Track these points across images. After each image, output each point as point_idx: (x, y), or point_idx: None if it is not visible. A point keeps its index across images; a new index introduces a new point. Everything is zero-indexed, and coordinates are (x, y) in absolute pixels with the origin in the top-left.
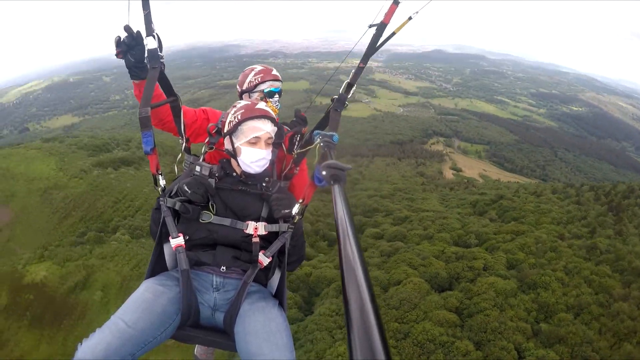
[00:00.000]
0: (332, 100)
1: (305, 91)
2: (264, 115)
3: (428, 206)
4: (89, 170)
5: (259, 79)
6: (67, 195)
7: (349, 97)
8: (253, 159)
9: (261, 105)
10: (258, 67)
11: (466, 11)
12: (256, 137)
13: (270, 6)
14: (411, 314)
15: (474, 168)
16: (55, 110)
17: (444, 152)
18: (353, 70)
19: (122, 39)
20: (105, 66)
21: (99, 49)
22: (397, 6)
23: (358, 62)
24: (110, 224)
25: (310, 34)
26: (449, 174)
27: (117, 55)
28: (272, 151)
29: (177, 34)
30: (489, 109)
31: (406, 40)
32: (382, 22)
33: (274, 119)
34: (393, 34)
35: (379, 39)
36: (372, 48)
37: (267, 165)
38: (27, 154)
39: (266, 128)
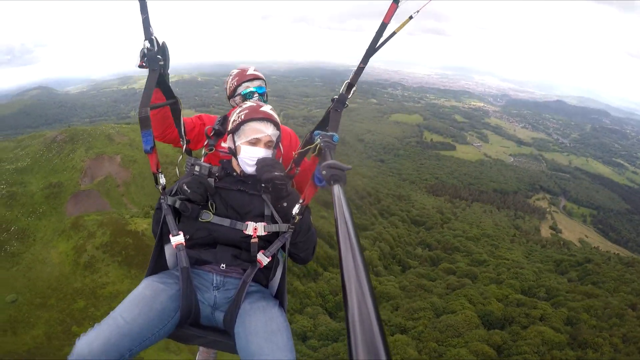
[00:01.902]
0: (332, 100)
1: (418, 125)
2: (266, 118)
3: (510, 256)
4: None
5: (235, 82)
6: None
7: (349, 97)
8: (251, 157)
9: (266, 108)
10: (235, 71)
11: (594, 61)
12: (256, 138)
13: (399, 38)
14: (452, 340)
15: (574, 232)
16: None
17: (547, 209)
18: (353, 71)
19: (147, 49)
20: (228, 72)
21: (228, 54)
22: (397, 5)
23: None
24: None
25: (432, 69)
26: (546, 232)
27: (140, 66)
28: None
29: (303, 53)
30: (605, 171)
31: (528, 86)
32: (382, 22)
33: (277, 122)
34: (394, 33)
35: (379, 39)
36: (372, 48)
37: None
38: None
39: (267, 131)
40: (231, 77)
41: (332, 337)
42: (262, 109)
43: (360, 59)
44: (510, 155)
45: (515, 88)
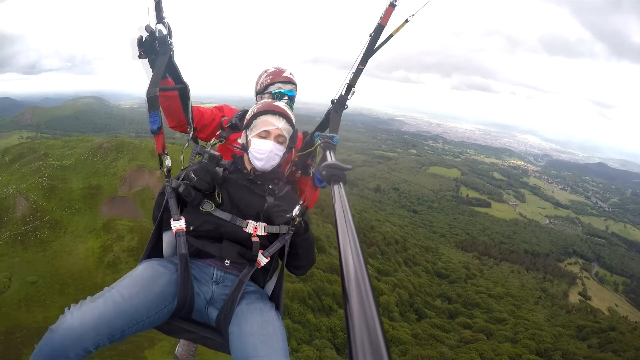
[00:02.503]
0: (332, 102)
1: (455, 179)
2: (277, 112)
3: (531, 317)
4: None
5: (269, 80)
6: None
7: (349, 98)
8: (259, 149)
9: (279, 103)
10: (271, 69)
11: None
12: (266, 130)
13: (445, 92)
14: None
15: (604, 300)
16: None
17: (579, 275)
18: (352, 72)
19: (144, 39)
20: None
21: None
22: (394, 8)
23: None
24: None
25: (475, 124)
26: (574, 298)
27: (139, 56)
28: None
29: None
30: None
31: (571, 147)
32: (379, 25)
33: (289, 117)
34: (391, 36)
35: (376, 42)
36: (370, 51)
37: (276, 162)
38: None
39: (278, 124)
40: (265, 74)
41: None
42: (275, 103)
43: (359, 61)
44: (546, 216)
45: (557, 148)
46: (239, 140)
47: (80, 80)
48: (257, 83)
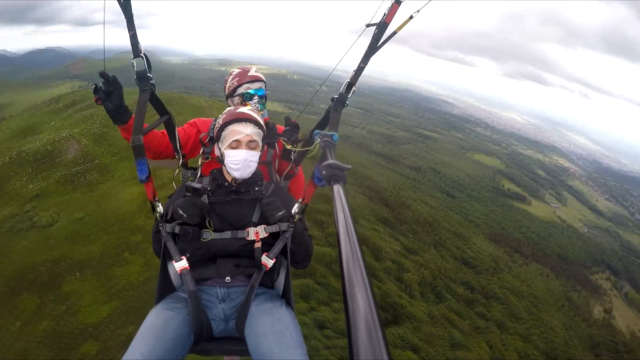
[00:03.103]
0: (333, 99)
1: (493, 168)
2: (243, 119)
3: (549, 321)
4: None
5: (235, 83)
6: None
7: (349, 96)
8: (234, 160)
9: (244, 109)
10: (236, 70)
11: None
12: (236, 140)
13: (496, 77)
14: None
15: (629, 321)
16: (271, 95)
17: (608, 291)
18: (353, 70)
19: (99, 86)
20: (324, 76)
21: (324, 59)
22: (399, 5)
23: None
24: None
25: (524, 116)
26: (598, 313)
27: (96, 102)
28: (267, 151)
29: (396, 73)
30: None
31: (621, 156)
32: (384, 22)
33: (257, 121)
34: (394, 33)
35: (379, 39)
36: (373, 48)
37: (253, 169)
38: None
39: (246, 131)
40: (231, 77)
41: (346, 334)
42: (239, 110)
43: (361, 58)
44: (585, 224)
45: (606, 155)
46: (215, 153)
47: None
48: (225, 87)
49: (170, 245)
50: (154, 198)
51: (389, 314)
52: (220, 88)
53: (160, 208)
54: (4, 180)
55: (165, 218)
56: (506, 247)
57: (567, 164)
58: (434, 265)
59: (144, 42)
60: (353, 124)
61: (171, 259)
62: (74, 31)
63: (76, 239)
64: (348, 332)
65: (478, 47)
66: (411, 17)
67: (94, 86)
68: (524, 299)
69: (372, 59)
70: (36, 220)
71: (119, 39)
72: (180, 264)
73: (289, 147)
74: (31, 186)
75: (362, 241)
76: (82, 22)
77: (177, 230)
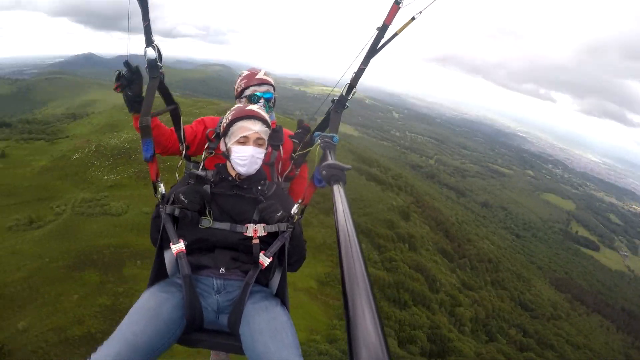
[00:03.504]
0: (333, 101)
1: (568, 212)
2: (253, 116)
3: None
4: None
5: (243, 85)
6: None
7: (349, 98)
8: (240, 156)
9: (253, 106)
10: (245, 72)
11: None
12: (244, 136)
13: (572, 113)
14: None
15: None
16: (343, 116)
17: None
18: (354, 72)
19: (122, 74)
20: (398, 102)
21: (397, 84)
22: (399, 7)
23: (637, 207)
24: None
25: (602, 157)
26: None
27: (115, 89)
28: (271, 153)
29: (472, 105)
30: None
31: None
32: (384, 23)
33: (265, 119)
34: (395, 34)
35: (380, 41)
36: (374, 50)
37: (258, 165)
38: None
39: (255, 128)
40: (240, 78)
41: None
42: (248, 107)
43: (361, 61)
44: None
45: None
46: (220, 148)
47: (212, 49)
48: (234, 88)
49: (169, 227)
50: (156, 178)
51: (435, 346)
52: (293, 106)
53: (162, 189)
54: (86, 167)
55: (166, 202)
56: (568, 294)
57: None
58: (488, 304)
59: (223, 57)
60: (426, 154)
61: (168, 247)
62: (160, 41)
63: (141, 230)
64: (348, 333)
65: (557, 81)
66: (413, 19)
67: (117, 72)
68: (579, 350)
69: (438, 90)
70: (107, 208)
71: (200, 52)
72: (177, 246)
73: (296, 151)
74: (105, 177)
75: (419, 270)
76: (168, 34)
77: (176, 213)
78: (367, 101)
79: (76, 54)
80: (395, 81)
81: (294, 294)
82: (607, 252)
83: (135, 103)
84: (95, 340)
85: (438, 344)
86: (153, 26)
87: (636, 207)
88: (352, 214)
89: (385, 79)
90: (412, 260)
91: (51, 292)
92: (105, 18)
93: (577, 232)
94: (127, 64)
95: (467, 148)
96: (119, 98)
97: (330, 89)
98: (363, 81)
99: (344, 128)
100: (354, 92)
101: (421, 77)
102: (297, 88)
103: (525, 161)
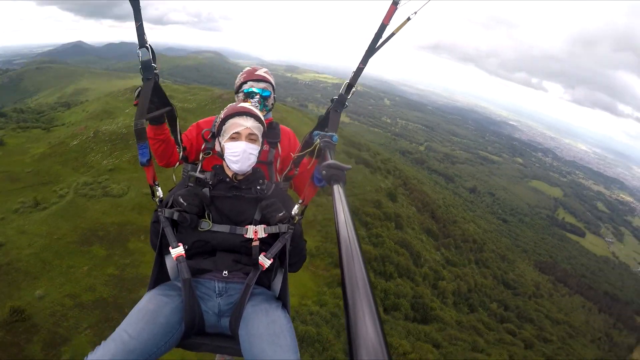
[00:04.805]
0: (332, 100)
1: (555, 199)
2: (244, 112)
3: (579, 350)
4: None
5: (242, 79)
6: None
7: (349, 97)
8: (233, 152)
9: (244, 103)
10: (246, 68)
11: None
12: (236, 132)
13: (566, 103)
14: None
15: None
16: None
17: None
18: (353, 71)
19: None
20: (389, 90)
21: (389, 72)
22: (397, 7)
23: (624, 197)
24: None
25: (592, 147)
26: (638, 356)
27: (135, 104)
28: (268, 151)
29: (464, 93)
30: None
31: None
32: (382, 23)
33: (257, 115)
34: (392, 34)
35: (378, 40)
36: (372, 49)
37: (252, 162)
38: (302, 120)
39: (246, 124)
40: (240, 74)
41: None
42: (240, 104)
43: (360, 60)
44: (639, 263)
45: None
46: (216, 148)
47: (204, 36)
48: (234, 84)
49: (168, 232)
50: (154, 182)
51: (418, 314)
52: (284, 93)
53: (159, 192)
54: (86, 152)
55: (164, 206)
56: (551, 276)
57: (630, 199)
58: (471, 279)
59: (215, 44)
60: (416, 140)
61: (168, 251)
62: (150, 29)
63: (142, 210)
64: (348, 332)
65: (548, 70)
66: (408, 19)
67: (138, 89)
68: (558, 325)
69: (430, 78)
70: (108, 190)
71: (192, 39)
72: (177, 251)
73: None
74: (105, 162)
75: (404, 246)
76: (158, 21)
77: (175, 216)
78: (358, 88)
79: (65, 42)
80: (388, 69)
81: None
82: (593, 238)
83: (153, 117)
84: (107, 304)
85: (421, 312)
86: (143, 12)
87: (623, 196)
88: (353, 214)
89: (378, 66)
90: (398, 237)
91: (62, 264)
92: (95, 6)
93: (563, 218)
94: (146, 48)
95: (457, 135)
96: (111, 86)
97: (323, 76)
98: (352, 67)
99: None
100: (354, 91)
101: (413, 65)
102: (288, 75)
103: (515, 149)
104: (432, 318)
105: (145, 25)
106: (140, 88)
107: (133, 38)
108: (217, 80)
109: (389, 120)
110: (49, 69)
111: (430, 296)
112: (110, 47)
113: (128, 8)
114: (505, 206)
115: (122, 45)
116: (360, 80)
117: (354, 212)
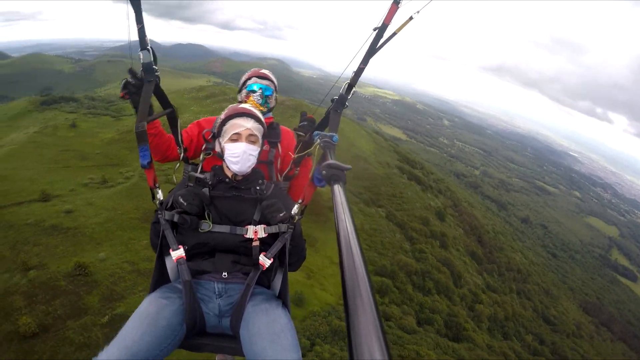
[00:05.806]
0: (333, 100)
1: (609, 238)
2: (244, 113)
3: None
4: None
5: (246, 77)
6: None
7: (349, 97)
8: (233, 153)
9: (245, 105)
10: (253, 69)
11: None
12: (236, 133)
13: (629, 137)
14: None
15: None
16: (392, 120)
17: None
18: (353, 72)
19: (128, 81)
20: (449, 110)
21: (449, 92)
22: (398, 6)
23: None
24: None
25: None
26: None
27: (122, 97)
28: (268, 151)
29: (524, 119)
30: None
31: None
32: (383, 23)
33: (258, 117)
34: (394, 34)
35: (379, 40)
36: (373, 49)
37: (252, 163)
38: (360, 133)
39: (246, 124)
40: (246, 73)
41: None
42: (240, 106)
43: (361, 60)
44: None
45: None
46: (216, 149)
47: (269, 43)
48: (239, 83)
49: (169, 234)
50: (154, 185)
51: (450, 331)
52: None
53: (160, 195)
54: None
55: (165, 207)
56: (595, 318)
57: None
58: (510, 308)
59: (279, 52)
60: (472, 164)
61: (169, 252)
62: (217, 32)
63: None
64: (348, 333)
65: (613, 100)
66: (411, 18)
67: (124, 81)
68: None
69: (491, 100)
70: (170, 178)
71: (257, 45)
72: (177, 253)
73: (301, 138)
74: None
75: (446, 264)
76: (226, 26)
77: (176, 218)
78: (418, 106)
79: (136, 39)
80: (449, 88)
81: None
82: None
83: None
84: None
85: (453, 330)
86: (212, 17)
87: None
88: (353, 213)
89: (439, 85)
90: (441, 256)
91: (124, 236)
92: (166, 6)
93: (616, 259)
94: (131, 71)
95: (514, 162)
96: (176, 84)
97: (383, 91)
98: (415, 86)
99: (392, 131)
100: (354, 92)
101: (475, 86)
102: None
103: (574, 182)
104: (463, 337)
105: (213, 29)
106: (125, 80)
107: (200, 40)
108: (280, 87)
109: (446, 142)
110: (119, 62)
111: (466, 317)
112: (178, 47)
113: (196, 11)
114: (556, 240)
115: (189, 46)
116: (420, 98)
117: (401, 226)
